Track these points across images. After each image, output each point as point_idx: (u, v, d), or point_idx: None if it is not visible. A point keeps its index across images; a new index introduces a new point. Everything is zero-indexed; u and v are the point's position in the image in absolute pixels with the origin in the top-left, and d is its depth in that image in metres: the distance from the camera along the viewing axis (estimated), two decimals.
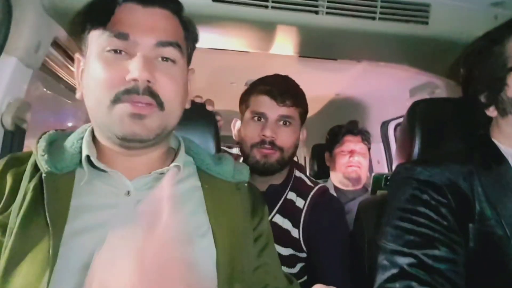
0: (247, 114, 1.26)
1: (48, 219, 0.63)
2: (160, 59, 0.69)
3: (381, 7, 1.08)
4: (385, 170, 2.28)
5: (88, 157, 0.70)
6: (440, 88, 1.59)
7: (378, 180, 1.53)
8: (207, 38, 1.23)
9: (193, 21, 0.80)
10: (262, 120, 1.22)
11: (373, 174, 1.57)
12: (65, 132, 0.78)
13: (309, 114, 1.34)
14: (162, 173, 0.73)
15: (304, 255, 1.23)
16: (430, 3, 1.07)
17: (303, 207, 1.23)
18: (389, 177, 1.53)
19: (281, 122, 1.22)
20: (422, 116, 1.01)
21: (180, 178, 0.75)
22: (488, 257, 0.72)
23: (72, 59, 1.33)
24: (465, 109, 0.89)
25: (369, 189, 1.92)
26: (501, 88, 0.79)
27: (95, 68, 0.68)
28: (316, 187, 1.28)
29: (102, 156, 0.73)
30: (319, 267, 1.21)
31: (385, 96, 2.05)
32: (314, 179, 1.36)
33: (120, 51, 0.68)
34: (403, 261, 0.73)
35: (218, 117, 1.19)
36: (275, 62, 1.70)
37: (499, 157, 0.79)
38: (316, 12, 1.10)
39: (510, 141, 0.81)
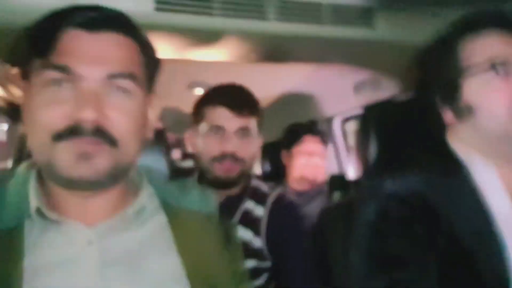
0: (203, 127, 1.21)
1: None
2: (113, 91, 0.61)
3: (327, 11, 1.09)
4: (331, 166, 2.32)
5: (38, 208, 0.61)
6: (383, 83, 1.64)
7: (334, 181, 1.55)
8: None
9: (152, 44, 0.71)
10: (220, 132, 1.18)
11: (330, 174, 1.58)
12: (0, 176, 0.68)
13: None
14: (125, 215, 0.66)
15: (268, 264, 1.22)
16: (374, 7, 1.09)
17: (263, 215, 1.22)
18: (344, 177, 1.56)
19: (241, 134, 1.19)
20: (376, 119, 1.02)
21: (145, 218, 0.68)
22: (459, 269, 0.71)
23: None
24: (420, 112, 0.89)
25: (325, 189, 1.96)
26: (457, 92, 0.78)
27: (35, 102, 0.60)
28: (274, 194, 1.27)
29: (54, 201, 0.64)
30: (285, 274, 1.20)
31: (330, 93, 2.09)
32: (270, 185, 1.35)
33: (63, 82, 0.59)
34: (375, 284, 0.71)
35: (169, 134, 1.12)
36: (219, 66, 1.65)
37: (457, 165, 0.78)
38: (264, 18, 1.08)
39: (467, 145, 0.80)
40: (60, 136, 0.58)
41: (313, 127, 1.93)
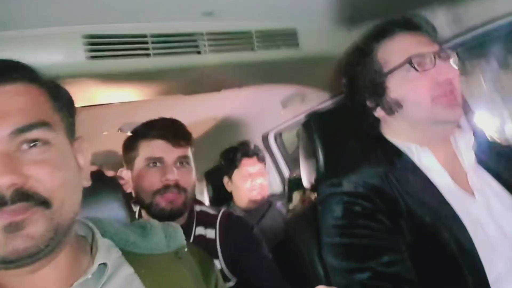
0: (140, 162, 1.20)
1: None
2: (26, 145, 0.53)
3: (256, 37, 1.17)
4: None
5: None
6: (308, 95, 1.78)
7: (293, 182, 1.62)
8: (85, 97, 1.12)
9: (61, 84, 0.64)
10: (159, 165, 1.18)
11: (287, 177, 1.64)
12: None
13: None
14: (85, 282, 0.57)
15: (231, 283, 1.24)
16: (297, 29, 1.20)
17: (216, 237, 1.25)
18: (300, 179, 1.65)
19: (179, 164, 1.20)
20: (318, 126, 1.09)
21: (109, 276, 0.59)
22: (425, 246, 0.75)
23: None
24: (356, 114, 0.95)
25: (273, 200, 2.03)
26: (383, 91, 0.87)
27: None
28: (220, 213, 1.31)
29: None
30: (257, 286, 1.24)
31: (261, 112, 2.18)
32: (214, 207, 1.39)
33: None
34: (360, 276, 0.74)
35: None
36: (150, 103, 1.64)
37: (397, 152, 0.87)
38: (199, 52, 1.12)
39: (401, 135, 0.89)
40: None
41: (247, 149, 1.95)
